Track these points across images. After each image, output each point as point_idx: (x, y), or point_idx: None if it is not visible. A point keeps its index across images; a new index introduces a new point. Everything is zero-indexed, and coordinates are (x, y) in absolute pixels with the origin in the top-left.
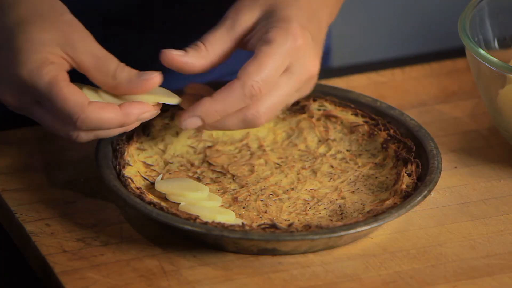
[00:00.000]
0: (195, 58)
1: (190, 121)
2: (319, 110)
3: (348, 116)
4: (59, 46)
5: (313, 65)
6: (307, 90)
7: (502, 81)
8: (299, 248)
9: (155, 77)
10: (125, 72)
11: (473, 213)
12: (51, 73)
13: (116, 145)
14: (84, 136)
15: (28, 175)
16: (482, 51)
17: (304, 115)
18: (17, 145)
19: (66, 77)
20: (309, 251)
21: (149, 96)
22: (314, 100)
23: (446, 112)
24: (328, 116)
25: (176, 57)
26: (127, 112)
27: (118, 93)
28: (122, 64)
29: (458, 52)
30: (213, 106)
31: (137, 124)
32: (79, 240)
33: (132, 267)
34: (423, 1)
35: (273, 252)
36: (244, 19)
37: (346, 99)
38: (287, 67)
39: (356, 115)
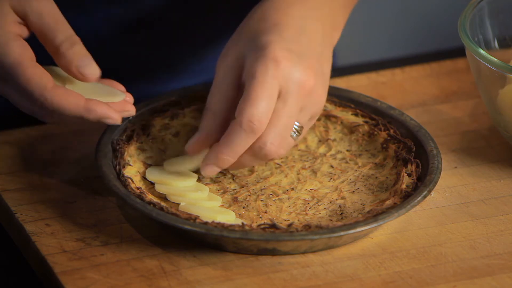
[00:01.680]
0: (207, 130)
1: (209, 169)
2: None
3: (348, 116)
4: (14, 11)
5: (305, 80)
6: (313, 107)
7: (502, 81)
8: (299, 248)
9: (92, 76)
10: (70, 51)
11: (473, 213)
12: (16, 52)
13: (116, 145)
14: (49, 118)
15: (28, 175)
16: (482, 51)
17: None
18: (17, 145)
19: (31, 55)
20: (309, 251)
21: (94, 95)
22: None
23: (446, 112)
24: (328, 116)
25: (196, 144)
26: (90, 108)
27: (57, 62)
28: (76, 37)
29: (458, 52)
30: (221, 152)
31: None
32: (79, 240)
33: (132, 267)
34: (423, 1)
35: (273, 252)
36: (234, 72)
37: (346, 99)
38: (280, 91)
39: (356, 115)
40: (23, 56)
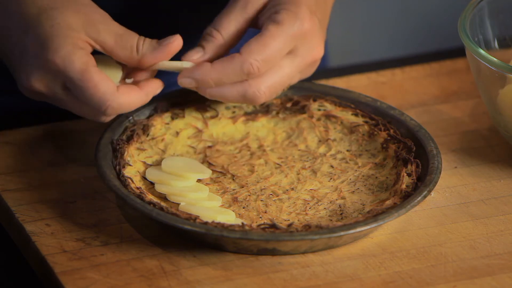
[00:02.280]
0: (214, 52)
1: (185, 81)
2: (319, 110)
3: (348, 116)
4: (83, 30)
5: (318, 50)
6: (309, 73)
7: (502, 81)
8: (299, 248)
9: (176, 40)
10: (146, 44)
11: (473, 213)
12: (82, 59)
13: (116, 145)
14: (103, 117)
15: (28, 175)
16: (482, 51)
17: (304, 115)
18: (17, 145)
19: (94, 63)
20: (309, 251)
21: (168, 64)
22: (314, 100)
23: (446, 112)
24: (328, 116)
25: (198, 61)
26: (147, 91)
27: (145, 66)
28: (142, 37)
29: (458, 52)
30: (209, 73)
31: None
32: (79, 240)
33: (132, 267)
34: (423, 1)
35: (273, 252)
36: None
37: (346, 99)
38: (292, 49)
39: (356, 115)
40: (88, 63)
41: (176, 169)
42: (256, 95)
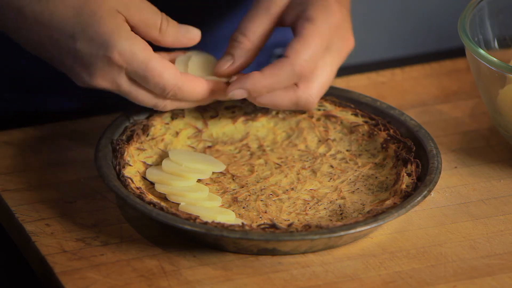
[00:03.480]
0: (244, 58)
1: (238, 92)
2: (319, 110)
3: (348, 116)
4: (117, 10)
5: (351, 40)
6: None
7: (502, 81)
8: (299, 248)
9: (197, 35)
10: (170, 27)
11: (473, 213)
12: (144, 51)
13: (116, 145)
14: (170, 106)
15: (28, 175)
16: (482, 51)
17: (304, 115)
18: (17, 145)
19: (152, 51)
20: (309, 251)
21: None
22: None
23: (446, 112)
24: (328, 116)
25: (229, 70)
26: (213, 90)
27: (162, 45)
28: (165, 16)
29: (458, 52)
30: (261, 81)
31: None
32: (79, 240)
33: (132, 267)
34: (423, 1)
35: (273, 252)
36: None
37: (346, 99)
38: (328, 44)
39: (356, 115)
40: (150, 53)
41: (177, 169)
42: (309, 100)
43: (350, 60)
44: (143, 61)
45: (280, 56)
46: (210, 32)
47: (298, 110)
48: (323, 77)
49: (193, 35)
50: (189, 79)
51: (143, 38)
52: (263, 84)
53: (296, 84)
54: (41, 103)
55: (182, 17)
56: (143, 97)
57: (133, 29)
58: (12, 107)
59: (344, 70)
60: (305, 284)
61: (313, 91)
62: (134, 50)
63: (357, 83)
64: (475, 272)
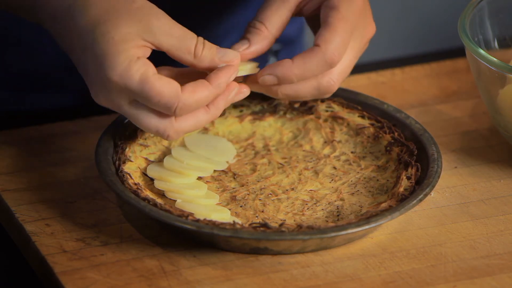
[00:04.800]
0: (260, 44)
1: (267, 78)
2: (326, 111)
3: (355, 118)
4: (139, 36)
5: (373, 26)
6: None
7: (502, 81)
8: (291, 248)
9: (235, 57)
10: (205, 51)
11: (473, 213)
12: (140, 71)
13: (118, 140)
14: (180, 130)
15: (28, 175)
16: (482, 51)
17: (311, 116)
18: (17, 145)
19: (154, 70)
20: (302, 251)
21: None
22: (322, 101)
23: (446, 112)
24: (335, 118)
25: (244, 53)
26: (218, 83)
27: (198, 70)
28: (201, 40)
29: (458, 52)
30: (292, 69)
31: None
32: (79, 240)
33: (132, 267)
34: (423, 1)
35: (266, 251)
36: None
37: (354, 101)
38: (352, 30)
39: (362, 117)
40: (147, 73)
41: (178, 166)
42: (330, 84)
43: None
44: (140, 82)
45: (277, 51)
46: (221, 21)
47: (305, 111)
48: (345, 61)
49: (230, 58)
50: (189, 90)
51: (180, 62)
52: (294, 72)
53: None
54: (40, 103)
55: (194, 7)
56: (149, 120)
57: (169, 54)
58: (12, 107)
59: None
60: (305, 284)
61: (334, 74)
62: (131, 73)
63: (357, 83)
64: (475, 272)
